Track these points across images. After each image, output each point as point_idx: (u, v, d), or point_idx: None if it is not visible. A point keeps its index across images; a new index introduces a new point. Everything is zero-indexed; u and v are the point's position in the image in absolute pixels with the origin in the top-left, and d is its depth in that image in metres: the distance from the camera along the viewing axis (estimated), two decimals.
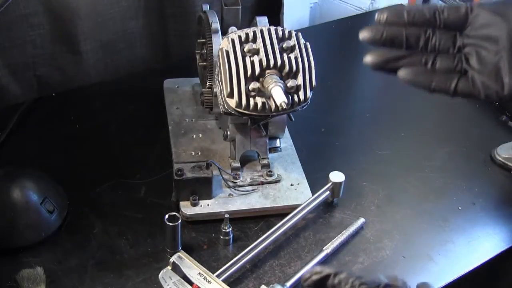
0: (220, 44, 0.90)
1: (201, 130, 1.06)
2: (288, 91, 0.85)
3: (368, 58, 0.56)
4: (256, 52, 0.86)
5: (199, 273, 0.80)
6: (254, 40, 0.86)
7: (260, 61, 0.85)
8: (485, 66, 0.51)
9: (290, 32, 0.88)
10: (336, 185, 0.96)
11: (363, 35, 0.57)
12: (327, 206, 0.98)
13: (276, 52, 0.86)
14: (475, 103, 1.24)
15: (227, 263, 0.84)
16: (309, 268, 0.86)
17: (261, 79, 0.85)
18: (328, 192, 0.96)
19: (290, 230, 0.93)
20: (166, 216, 0.83)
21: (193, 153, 1.01)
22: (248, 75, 0.85)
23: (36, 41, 1.11)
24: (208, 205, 0.93)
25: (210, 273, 0.80)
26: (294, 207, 0.93)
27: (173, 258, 0.82)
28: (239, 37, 0.86)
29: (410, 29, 0.54)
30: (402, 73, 0.55)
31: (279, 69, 0.85)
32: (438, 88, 0.54)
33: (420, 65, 0.54)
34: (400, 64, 0.55)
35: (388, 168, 1.07)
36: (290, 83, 0.85)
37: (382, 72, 0.56)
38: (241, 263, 0.85)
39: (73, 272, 0.84)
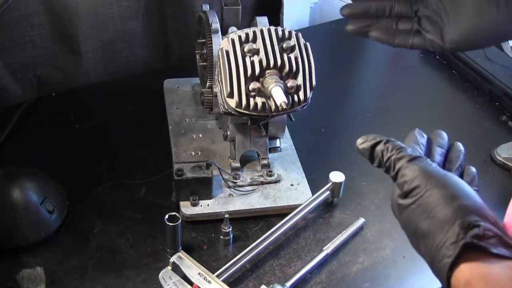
0: (220, 44, 0.90)
1: (201, 130, 1.06)
2: (288, 91, 0.85)
3: (349, 27, 0.72)
4: (256, 52, 0.86)
5: (199, 273, 0.80)
6: (254, 40, 0.86)
7: (260, 61, 0.85)
8: (431, 26, 0.67)
9: (290, 32, 0.88)
10: (336, 185, 0.96)
11: (344, 11, 0.71)
12: (327, 206, 0.98)
13: (276, 52, 0.86)
14: (475, 103, 1.24)
15: (227, 263, 0.84)
16: (310, 267, 0.86)
17: (261, 79, 0.85)
18: (328, 192, 0.96)
19: (290, 230, 0.93)
20: (166, 216, 0.84)
21: (193, 153, 1.01)
22: (248, 75, 0.85)
23: (36, 41, 1.11)
24: (208, 205, 0.93)
25: (210, 273, 0.80)
26: (294, 207, 0.93)
27: (173, 258, 0.82)
28: (239, 37, 0.86)
29: (378, 2, 0.70)
30: (372, 33, 0.71)
31: (279, 69, 0.85)
32: (399, 43, 0.69)
33: (386, 28, 0.70)
34: (372, 28, 0.71)
35: None
36: (290, 83, 0.85)
37: (360, 36, 0.73)
38: (241, 263, 0.85)
39: (73, 272, 0.85)
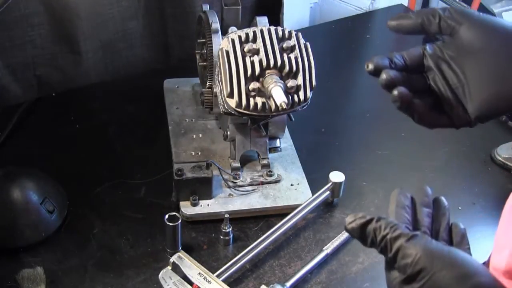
0: (220, 44, 0.90)
1: (201, 130, 1.06)
2: (288, 91, 0.85)
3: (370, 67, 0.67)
4: (256, 52, 0.86)
5: (199, 273, 0.80)
6: (254, 40, 0.86)
7: (260, 61, 0.85)
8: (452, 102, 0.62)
9: (290, 32, 0.88)
10: (336, 185, 0.96)
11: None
12: (327, 206, 0.98)
13: (276, 52, 0.86)
14: None
15: (227, 263, 0.84)
16: (310, 267, 0.86)
17: (261, 79, 0.85)
18: (328, 192, 0.96)
19: (290, 230, 0.93)
20: (166, 216, 0.84)
21: (193, 153, 1.01)
22: (248, 75, 0.85)
23: (36, 41, 1.11)
24: (208, 205, 0.93)
25: (210, 273, 0.80)
26: (294, 207, 0.93)
27: (173, 258, 0.82)
28: (239, 37, 0.86)
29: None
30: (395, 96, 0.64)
31: (279, 69, 0.85)
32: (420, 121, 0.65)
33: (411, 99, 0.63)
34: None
35: (388, 168, 1.07)
36: (290, 83, 0.85)
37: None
38: (241, 263, 0.85)
39: (73, 272, 0.84)
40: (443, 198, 0.58)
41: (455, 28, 0.58)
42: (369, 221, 0.52)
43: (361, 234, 0.53)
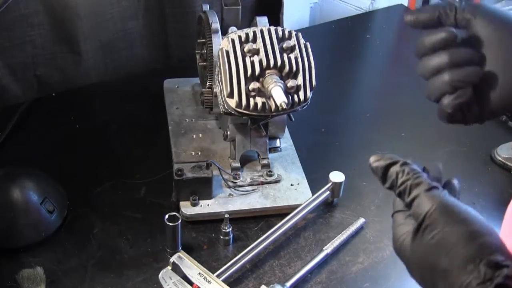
0: (220, 44, 0.90)
1: (201, 130, 1.06)
2: (288, 91, 0.85)
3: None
4: (256, 52, 0.86)
5: (199, 273, 0.80)
6: (254, 40, 0.86)
7: (260, 61, 0.85)
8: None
9: (290, 32, 0.88)
10: (336, 185, 0.96)
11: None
12: (327, 206, 0.98)
13: (276, 52, 0.86)
14: None
15: (227, 263, 0.84)
16: (310, 267, 0.86)
17: (261, 79, 0.85)
18: (328, 192, 0.96)
19: (290, 230, 0.93)
20: (166, 216, 0.83)
21: (193, 153, 1.01)
22: (248, 75, 0.85)
23: (36, 41, 1.11)
24: (208, 205, 0.93)
25: (210, 273, 0.80)
26: (294, 207, 0.93)
27: (173, 258, 0.82)
28: (239, 37, 0.86)
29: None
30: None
31: (279, 69, 0.85)
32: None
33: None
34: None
35: None
36: (290, 83, 0.85)
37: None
38: (241, 263, 0.85)
39: (73, 272, 0.84)
40: (456, 181, 0.57)
41: (470, 20, 0.58)
42: (394, 163, 0.54)
43: (383, 174, 0.55)
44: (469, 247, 0.47)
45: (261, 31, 0.87)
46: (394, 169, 0.54)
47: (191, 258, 0.82)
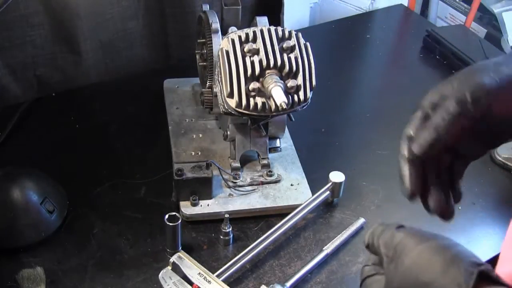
0: (220, 44, 0.90)
1: (201, 130, 1.06)
2: (288, 91, 0.85)
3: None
4: (256, 52, 0.86)
5: (199, 273, 0.80)
6: (254, 40, 0.86)
7: (260, 61, 0.85)
8: None
9: (290, 32, 0.88)
10: (336, 185, 0.96)
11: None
12: (327, 206, 0.98)
13: (276, 52, 0.86)
14: None
15: (227, 263, 0.84)
16: (310, 267, 0.86)
17: (261, 79, 0.85)
18: (328, 192, 0.96)
19: (290, 230, 0.93)
20: (166, 216, 0.84)
21: (193, 153, 1.01)
22: (248, 75, 0.85)
23: (36, 41, 1.11)
24: (208, 205, 0.93)
25: (210, 273, 0.80)
26: (294, 207, 0.93)
27: (173, 258, 0.82)
28: (239, 37, 0.86)
29: None
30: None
31: (279, 69, 0.85)
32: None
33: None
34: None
35: (388, 168, 1.06)
36: (290, 83, 0.85)
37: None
38: (241, 263, 0.85)
39: (73, 272, 0.84)
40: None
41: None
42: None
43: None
44: (446, 255, 0.49)
45: (261, 31, 0.87)
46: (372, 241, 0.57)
47: (191, 258, 0.82)
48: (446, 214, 0.59)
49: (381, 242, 0.55)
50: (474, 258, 0.49)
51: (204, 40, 1.00)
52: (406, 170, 0.59)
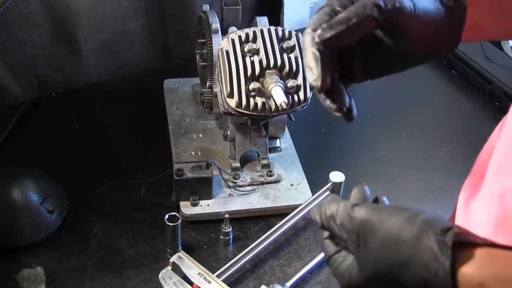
0: (220, 44, 0.90)
1: (201, 130, 1.06)
2: (288, 91, 0.85)
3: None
4: (256, 52, 0.86)
5: (199, 273, 0.80)
6: (254, 40, 0.86)
7: (260, 61, 0.85)
8: None
9: (290, 32, 0.88)
10: (336, 185, 0.96)
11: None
12: None
13: (276, 52, 0.86)
14: (475, 103, 1.23)
15: (227, 263, 0.84)
16: (310, 267, 0.86)
17: (261, 79, 0.85)
18: (328, 192, 0.96)
19: (290, 230, 0.93)
20: (166, 216, 0.84)
21: (193, 153, 1.01)
22: (248, 75, 0.85)
23: (36, 41, 1.11)
24: (208, 205, 0.93)
25: (210, 273, 0.80)
26: (294, 207, 0.93)
27: (173, 258, 0.82)
28: (239, 37, 0.86)
29: None
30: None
31: (279, 69, 0.85)
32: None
33: None
34: None
35: (388, 168, 1.07)
36: (290, 83, 0.85)
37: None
38: (241, 263, 0.85)
39: (73, 272, 0.84)
40: (384, 198, 0.56)
41: None
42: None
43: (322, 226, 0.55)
44: (413, 228, 0.47)
45: (261, 31, 0.87)
46: (318, 218, 0.54)
47: (191, 258, 0.82)
48: (351, 113, 0.58)
49: (339, 225, 0.51)
50: (442, 222, 0.46)
51: (204, 40, 1.00)
52: (316, 61, 0.53)
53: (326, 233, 0.55)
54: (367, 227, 0.49)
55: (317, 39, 0.53)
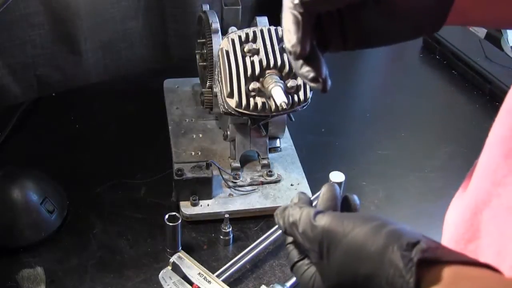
0: (220, 44, 0.90)
1: (201, 130, 1.06)
2: (288, 91, 0.85)
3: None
4: (256, 52, 0.86)
5: (199, 273, 0.80)
6: (254, 40, 0.86)
7: (260, 61, 0.85)
8: None
9: None
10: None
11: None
12: None
13: (276, 52, 0.86)
14: (475, 103, 1.23)
15: (227, 263, 0.84)
16: None
17: (261, 79, 0.85)
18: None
19: None
20: (166, 216, 0.84)
21: (193, 153, 1.01)
22: (248, 75, 0.85)
23: (36, 41, 1.11)
24: (208, 205, 0.93)
25: (210, 273, 0.80)
26: None
27: (173, 258, 0.82)
28: (239, 37, 0.86)
29: None
30: None
31: (279, 69, 0.85)
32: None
33: None
34: None
35: (388, 168, 1.07)
36: (290, 83, 0.85)
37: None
38: (241, 263, 0.85)
39: (73, 272, 0.84)
40: (353, 196, 0.54)
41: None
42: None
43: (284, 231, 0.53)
44: (378, 240, 0.44)
45: (261, 31, 0.87)
46: (282, 222, 0.52)
47: (191, 258, 0.82)
48: (326, 83, 0.54)
49: (301, 234, 0.49)
50: (409, 235, 0.44)
51: (204, 40, 1.00)
52: (296, 24, 0.49)
53: (290, 238, 0.53)
54: (330, 236, 0.47)
55: (296, 1, 0.49)
